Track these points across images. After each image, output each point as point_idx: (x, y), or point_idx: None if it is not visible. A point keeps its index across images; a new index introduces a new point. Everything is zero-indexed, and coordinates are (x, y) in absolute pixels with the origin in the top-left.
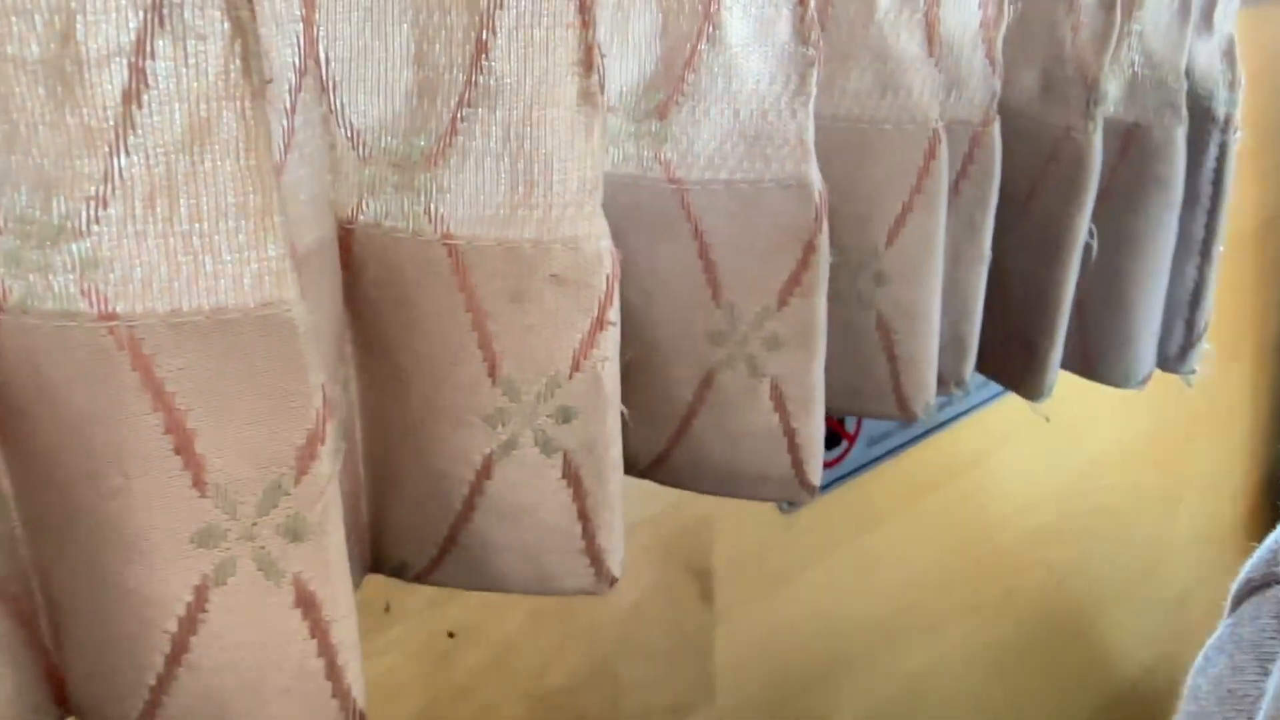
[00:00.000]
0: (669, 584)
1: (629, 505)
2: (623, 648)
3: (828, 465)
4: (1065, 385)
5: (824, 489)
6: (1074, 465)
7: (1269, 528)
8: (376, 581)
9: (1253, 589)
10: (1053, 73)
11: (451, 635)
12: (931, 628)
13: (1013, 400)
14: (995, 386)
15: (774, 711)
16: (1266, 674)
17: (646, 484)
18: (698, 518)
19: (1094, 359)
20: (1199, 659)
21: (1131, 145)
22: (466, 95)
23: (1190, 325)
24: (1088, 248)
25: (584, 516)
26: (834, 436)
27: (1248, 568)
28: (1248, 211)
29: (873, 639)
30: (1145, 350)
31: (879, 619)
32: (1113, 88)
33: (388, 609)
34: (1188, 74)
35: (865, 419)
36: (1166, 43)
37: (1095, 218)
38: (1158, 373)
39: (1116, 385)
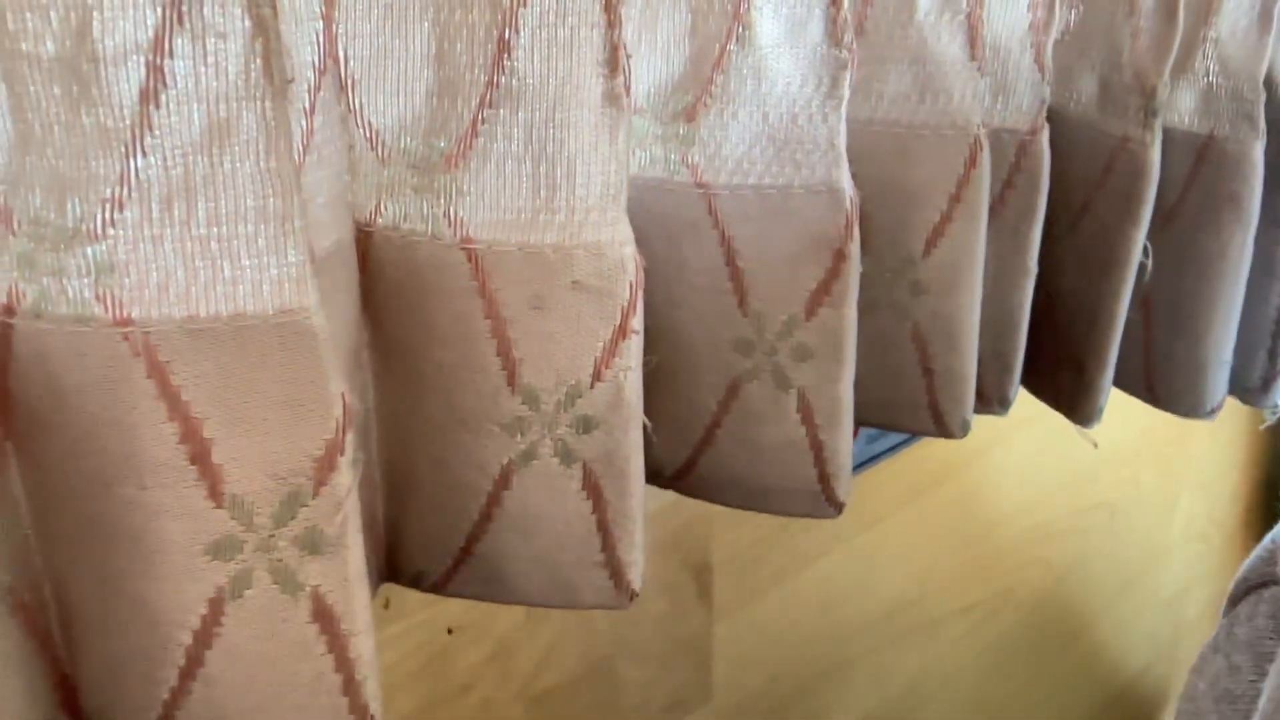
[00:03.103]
0: (667, 582)
1: None
2: (621, 645)
3: None
4: None
5: None
6: (1072, 464)
7: (1267, 527)
8: None
9: (1249, 589)
10: (1110, 80)
11: (450, 632)
12: (930, 626)
13: None
14: None
15: (772, 709)
16: (1263, 674)
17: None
18: (696, 515)
19: (1160, 388)
20: (1195, 659)
21: (1205, 160)
22: (488, 96)
23: (1273, 355)
24: (1142, 266)
25: (603, 529)
26: None
27: (1244, 568)
28: None
29: (871, 637)
30: (1216, 379)
31: (878, 617)
32: (1186, 98)
33: (387, 605)
34: (1268, 85)
35: None
36: (1244, 51)
37: (1164, 237)
38: None
39: (1185, 415)
